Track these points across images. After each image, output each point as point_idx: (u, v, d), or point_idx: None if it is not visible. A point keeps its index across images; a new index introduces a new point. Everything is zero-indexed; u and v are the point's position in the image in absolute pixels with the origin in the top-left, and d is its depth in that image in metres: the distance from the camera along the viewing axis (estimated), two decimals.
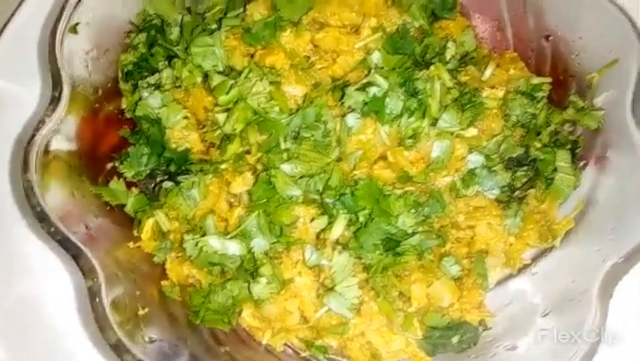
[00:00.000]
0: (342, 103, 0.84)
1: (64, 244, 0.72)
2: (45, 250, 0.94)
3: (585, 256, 0.81)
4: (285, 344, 0.87)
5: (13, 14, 1.05)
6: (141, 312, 0.75)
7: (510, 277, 0.90)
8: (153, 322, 0.76)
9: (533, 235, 0.86)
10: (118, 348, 0.66)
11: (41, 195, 0.74)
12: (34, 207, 0.73)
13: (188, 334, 0.79)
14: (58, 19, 0.81)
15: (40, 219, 0.73)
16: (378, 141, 0.83)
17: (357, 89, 0.83)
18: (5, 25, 1.05)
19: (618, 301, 0.73)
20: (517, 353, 0.78)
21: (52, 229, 0.72)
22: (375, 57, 0.86)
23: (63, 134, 0.81)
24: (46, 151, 0.78)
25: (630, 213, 0.78)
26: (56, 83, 0.79)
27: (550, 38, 0.94)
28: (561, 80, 0.94)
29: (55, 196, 0.78)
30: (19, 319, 0.93)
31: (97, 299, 0.69)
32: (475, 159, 0.84)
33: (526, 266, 0.89)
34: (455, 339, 0.81)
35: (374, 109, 0.81)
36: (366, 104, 0.82)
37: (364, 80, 0.83)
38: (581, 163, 0.90)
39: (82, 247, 0.72)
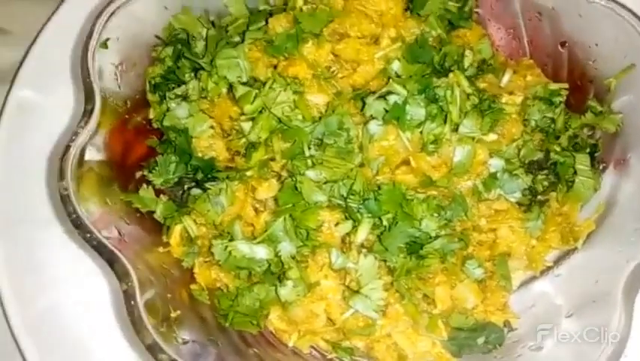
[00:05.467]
0: (364, 112, 0.86)
1: (100, 249, 0.75)
2: (74, 258, 0.97)
3: (608, 258, 0.82)
4: (312, 347, 0.88)
5: (42, 28, 1.09)
6: (173, 314, 0.78)
7: (533, 279, 0.91)
8: (185, 324, 0.78)
9: (555, 237, 0.88)
10: (153, 349, 0.68)
11: (77, 202, 0.77)
12: (71, 214, 0.76)
13: (218, 336, 0.81)
14: (89, 36, 0.85)
15: (77, 225, 0.76)
16: (401, 146, 0.85)
17: (377, 98, 0.85)
18: (35, 38, 1.08)
19: None
20: (542, 354, 0.79)
21: (88, 235, 0.75)
22: (395, 66, 0.88)
23: (95, 145, 0.84)
24: (80, 161, 0.81)
25: None
26: (89, 96, 0.82)
27: (567, 44, 0.95)
28: (579, 85, 0.95)
29: (89, 204, 0.81)
30: (49, 327, 0.95)
31: (132, 302, 0.71)
32: (496, 163, 0.85)
33: (548, 268, 0.90)
34: (481, 340, 0.82)
35: (395, 116, 0.83)
36: (387, 112, 0.84)
37: (384, 90, 0.85)
38: (601, 166, 0.91)
39: (116, 251, 0.75)
